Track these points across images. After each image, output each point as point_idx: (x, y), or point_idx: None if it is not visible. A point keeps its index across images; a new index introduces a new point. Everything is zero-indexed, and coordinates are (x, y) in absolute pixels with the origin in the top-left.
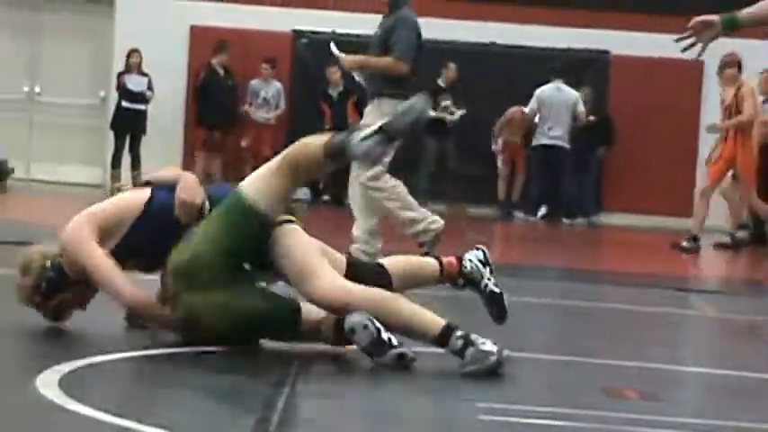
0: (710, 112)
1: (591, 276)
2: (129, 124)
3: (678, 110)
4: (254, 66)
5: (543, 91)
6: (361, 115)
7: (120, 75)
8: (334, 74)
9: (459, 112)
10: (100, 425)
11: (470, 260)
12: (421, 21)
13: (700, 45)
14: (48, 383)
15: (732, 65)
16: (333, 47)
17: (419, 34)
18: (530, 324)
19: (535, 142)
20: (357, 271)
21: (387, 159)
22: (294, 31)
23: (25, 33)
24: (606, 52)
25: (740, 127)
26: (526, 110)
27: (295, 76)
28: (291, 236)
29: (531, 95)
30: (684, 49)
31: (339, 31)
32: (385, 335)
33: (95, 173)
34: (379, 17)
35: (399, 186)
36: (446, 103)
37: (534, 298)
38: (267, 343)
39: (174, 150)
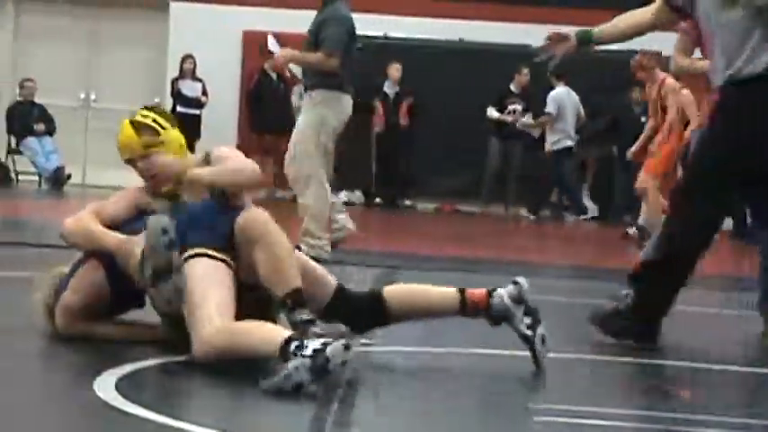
0: None
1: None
2: (183, 129)
3: None
4: None
5: (559, 93)
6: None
7: (174, 80)
8: (395, 71)
9: (526, 118)
10: (157, 426)
11: (501, 296)
12: (494, 25)
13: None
14: (105, 386)
15: (638, 68)
16: (270, 40)
17: (351, 30)
18: (583, 324)
19: (560, 145)
20: (346, 298)
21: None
22: None
23: (81, 41)
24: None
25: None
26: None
27: None
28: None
29: (600, 102)
30: (541, 60)
31: (390, 34)
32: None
33: None
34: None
35: (328, 192)
36: (515, 107)
37: (590, 299)
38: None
39: None
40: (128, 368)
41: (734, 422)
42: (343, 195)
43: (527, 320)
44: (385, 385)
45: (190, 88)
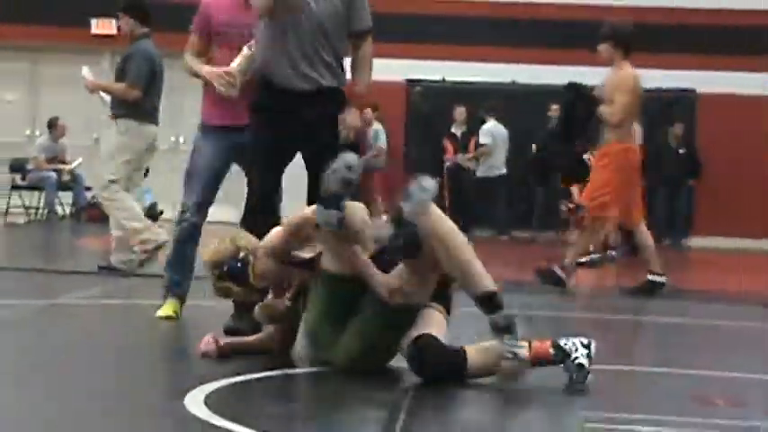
0: None
1: (680, 294)
2: None
3: (759, 141)
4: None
5: (495, 127)
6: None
7: None
8: (459, 114)
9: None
10: None
11: (570, 340)
12: (520, 67)
13: None
14: (195, 401)
15: None
16: (84, 69)
17: (155, 66)
18: (628, 339)
19: (488, 173)
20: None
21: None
22: (408, 80)
23: (172, 90)
24: (693, 90)
25: None
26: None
27: (409, 120)
28: None
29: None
30: None
31: (449, 78)
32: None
33: (233, 212)
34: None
35: (128, 198)
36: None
37: (631, 315)
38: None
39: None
40: (216, 384)
41: None
42: None
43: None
44: (443, 399)
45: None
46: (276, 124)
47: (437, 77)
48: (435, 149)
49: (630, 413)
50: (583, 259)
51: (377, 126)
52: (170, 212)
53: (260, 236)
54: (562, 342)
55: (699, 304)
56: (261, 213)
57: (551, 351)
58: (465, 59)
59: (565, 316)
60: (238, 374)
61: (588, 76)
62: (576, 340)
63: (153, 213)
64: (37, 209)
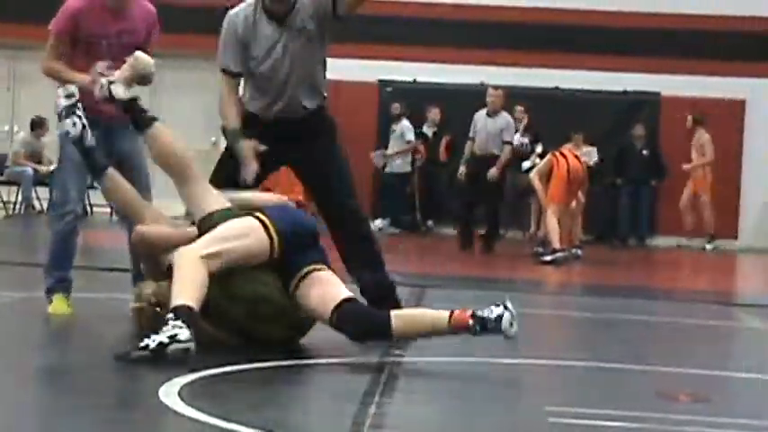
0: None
1: (645, 293)
2: None
3: (722, 143)
4: (342, 114)
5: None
6: (451, 154)
7: None
8: (434, 114)
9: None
10: (212, 428)
11: (487, 309)
12: (506, 70)
13: None
14: (169, 393)
15: None
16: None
17: None
18: (590, 336)
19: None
20: (353, 306)
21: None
22: (380, 81)
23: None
24: (657, 93)
25: None
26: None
27: (381, 121)
28: None
29: (596, 135)
30: None
31: (419, 79)
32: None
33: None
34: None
35: None
36: (523, 140)
37: (594, 313)
38: (355, 357)
39: None
40: (190, 377)
41: (736, 422)
42: (379, 222)
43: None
44: (415, 391)
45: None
46: (265, 140)
47: (408, 78)
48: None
49: (594, 408)
50: (548, 257)
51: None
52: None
53: None
54: (479, 312)
55: (661, 302)
56: None
57: (470, 322)
58: (436, 61)
59: (531, 313)
60: (212, 367)
61: (558, 78)
62: (494, 307)
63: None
64: (15, 203)
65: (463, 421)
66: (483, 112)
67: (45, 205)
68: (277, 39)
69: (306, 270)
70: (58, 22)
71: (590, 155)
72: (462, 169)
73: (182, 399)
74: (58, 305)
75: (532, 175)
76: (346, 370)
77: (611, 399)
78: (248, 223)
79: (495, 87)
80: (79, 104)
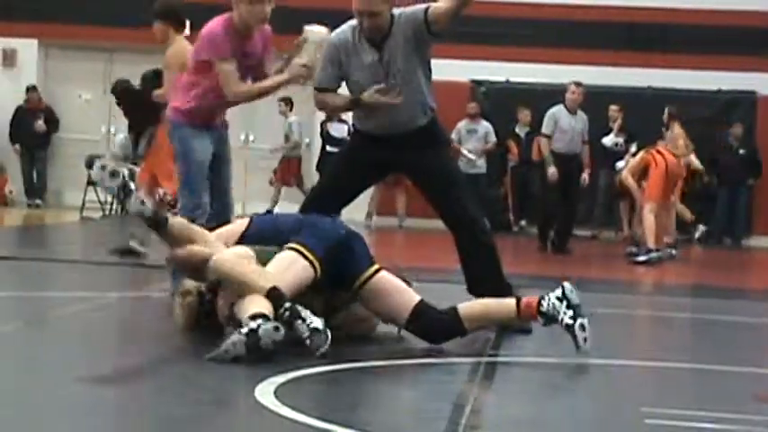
0: None
1: (742, 294)
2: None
3: None
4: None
5: None
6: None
7: (323, 123)
8: (524, 116)
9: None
10: (310, 429)
11: (549, 298)
12: (598, 69)
13: None
14: (265, 393)
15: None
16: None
17: None
18: (686, 337)
19: None
20: (426, 312)
21: None
22: (472, 81)
23: None
24: (753, 92)
25: None
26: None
27: None
28: None
29: (689, 134)
30: None
31: (512, 79)
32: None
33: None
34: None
35: None
36: (618, 139)
37: (692, 314)
38: (449, 356)
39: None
40: (286, 376)
41: None
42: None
43: (569, 313)
44: (510, 391)
45: (338, 130)
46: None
47: (501, 78)
48: (500, 149)
49: (691, 410)
50: (642, 257)
51: (292, 119)
52: (240, 209)
53: None
54: (543, 307)
55: (759, 303)
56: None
57: (540, 319)
58: (529, 61)
59: (625, 313)
60: (307, 367)
61: (655, 77)
62: (552, 298)
63: None
64: (111, 204)
65: (558, 421)
66: (562, 109)
67: None
68: (378, 63)
69: (362, 279)
70: (218, 47)
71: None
72: (553, 170)
73: (278, 398)
74: None
75: (624, 173)
76: (441, 370)
77: (708, 400)
78: (288, 256)
79: (578, 84)
80: (124, 176)
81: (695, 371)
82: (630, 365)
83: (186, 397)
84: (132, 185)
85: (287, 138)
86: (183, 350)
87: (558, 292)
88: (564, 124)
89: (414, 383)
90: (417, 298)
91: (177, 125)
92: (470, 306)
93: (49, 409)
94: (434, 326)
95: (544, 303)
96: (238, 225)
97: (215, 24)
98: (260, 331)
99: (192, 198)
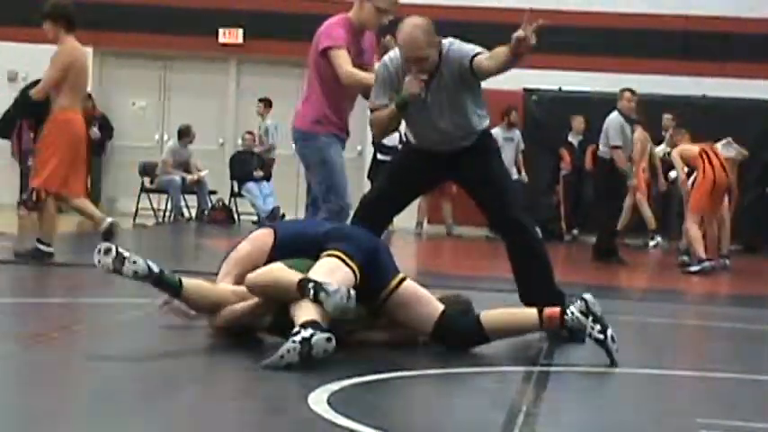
0: None
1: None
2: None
3: None
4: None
5: None
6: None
7: None
8: (578, 123)
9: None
10: None
11: (572, 312)
12: (652, 78)
13: None
14: (318, 401)
15: None
16: None
17: None
18: (740, 348)
19: None
20: (449, 325)
21: None
22: (525, 89)
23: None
24: None
25: None
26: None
27: (527, 128)
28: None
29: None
30: None
31: (565, 87)
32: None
33: None
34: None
35: None
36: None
37: (745, 324)
38: (502, 365)
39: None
40: (339, 384)
41: None
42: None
43: (597, 327)
44: (563, 401)
45: (389, 138)
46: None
47: (554, 87)
48: (552, 158)
49: (746, 421)
50: (695, 267)
51: (269, 121)
52: (292, 214)
53: None
54: (567, 322)
55: None
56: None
57: (564, 331)
58: (581, 69)
59: (677, 323)
60: (359, 375)
61: (704, 86)
62: (576, 311)
63: (275, 217)
64: (165, 211)
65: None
66: (620, 117)
67: (194, 213)
68: (426, 94)
69: (389, 289)
70: (335, 37)
71: (728, 148)
72: (635, 182)
73: (331, 406)
74: None
75: (675, 152)
76: (493, 379)
77: (764, 412)
78: (331, 262)
79: (632, 91)
80: (117, 248)
81: (750, 381)
82: (683, 376)
83: (241, 405)
84: (126, 253)
85: (260, 139)
86: (234, 358)
87: (581, 305)
88: (629, 134)
89: (466, 391)
90: (441, 308)
91: (312, 136)
92: (493, 315)
93: (105, 419)
94: (458, 335)
95: (568, 316)
96: (261, 241)
97: (334, 20)
98: (313, 340)
99: (337, 200)
